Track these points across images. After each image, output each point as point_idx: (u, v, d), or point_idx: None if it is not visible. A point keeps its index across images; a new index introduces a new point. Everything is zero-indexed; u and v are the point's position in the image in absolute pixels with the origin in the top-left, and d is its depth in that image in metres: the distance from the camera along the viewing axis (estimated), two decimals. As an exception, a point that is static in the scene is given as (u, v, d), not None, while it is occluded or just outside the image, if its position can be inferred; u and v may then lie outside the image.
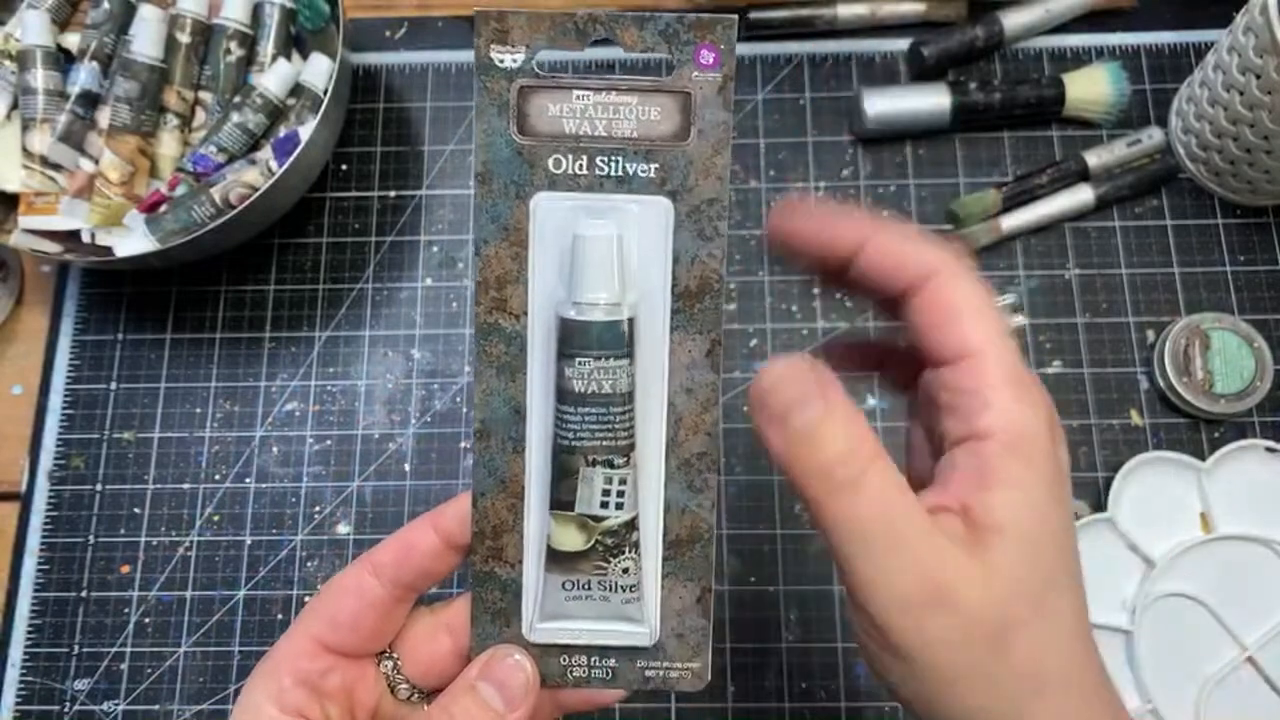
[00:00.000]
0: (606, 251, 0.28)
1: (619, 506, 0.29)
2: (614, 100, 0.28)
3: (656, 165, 0.28)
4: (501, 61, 0.28)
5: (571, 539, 0.29)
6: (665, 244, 0.29)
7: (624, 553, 0.29)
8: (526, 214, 0.29)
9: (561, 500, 0.29)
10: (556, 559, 0.30)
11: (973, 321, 0.26)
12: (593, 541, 0.29)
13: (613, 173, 0.29)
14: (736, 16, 0.28)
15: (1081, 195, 0.53)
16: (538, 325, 0.29)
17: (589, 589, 0.30)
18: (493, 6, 0.28)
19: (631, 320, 0.29)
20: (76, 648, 0.50)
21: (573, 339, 0.28)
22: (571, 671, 0.31)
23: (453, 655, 0.31)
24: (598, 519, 0.29)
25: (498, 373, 0.30)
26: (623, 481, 0.29)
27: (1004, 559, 0.25)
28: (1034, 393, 0.26)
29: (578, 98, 0.28)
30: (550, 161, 0.28)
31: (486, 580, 0.30)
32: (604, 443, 0.29)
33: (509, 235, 0.29)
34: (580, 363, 0.28)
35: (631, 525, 0.29)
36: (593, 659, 0.30)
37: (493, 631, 0.31)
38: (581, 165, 0.29)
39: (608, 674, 0.30)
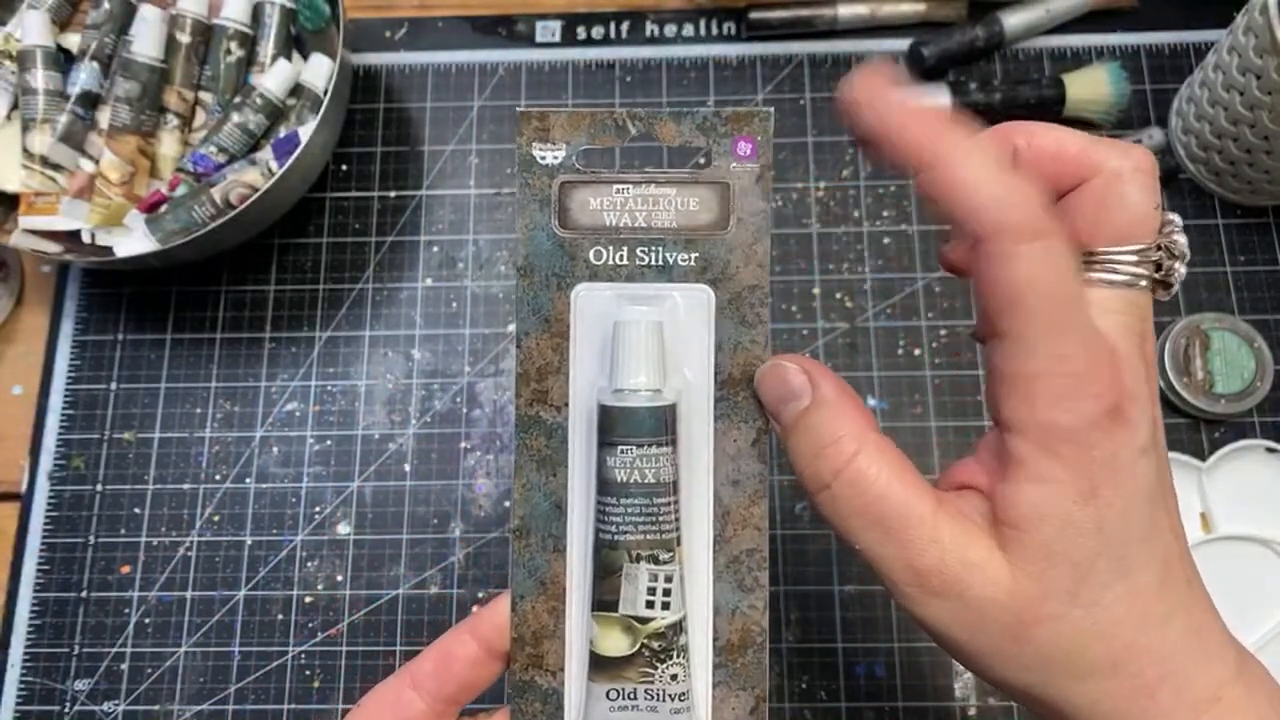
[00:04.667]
0: (647, 337, 0.28)
1: (665, 606, 0.28)
2: (653, 192, 0.29)
3: (697, 254, 0.29)
4: (543, 158, 0.29)
5: (616, 643, 0.28)
6: (707, 332, 0.29)
7: (672, 657, 0.28)
8: (568, 305, 0.29)
9: (604, 600, 0.28)
10: (600, 665, 0.28)
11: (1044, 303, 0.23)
12: (638, 645, 0.28)
13: (653, 262, 0.29)
14: (773, 110, 0.29)
15: (1081, 195, 0.53)
16: (579, 418, 0.29)
17: (635, 699, 0.28)
18: (534, 106, 0.28)
19: (673, 407, 0.28)
20: (77, 648, 0.50)
21: (614, 426, 0.28)
22: None
23: None
24: (643, 620, 0.28)
25: (538, 467, 0.29)
26: (669, 579, 0.28)
27: (1023, 555, 0.24)
28: (1089, 382, 0.23)
29: (618, 191, 0.29)
30: (591, 253, 0.29)
31: (526, 690, 0.29)
32: (648, 536, 0.27)
33: (550, 326, 0.29)
34: (622, 451, 0.27)
35: (679, 627, 0.28)
36: None
37: None
38: (622, 256, 0.29)
39: None
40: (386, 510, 0.51)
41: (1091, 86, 0.54)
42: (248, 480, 0.52)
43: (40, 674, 0.49)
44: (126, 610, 0.50)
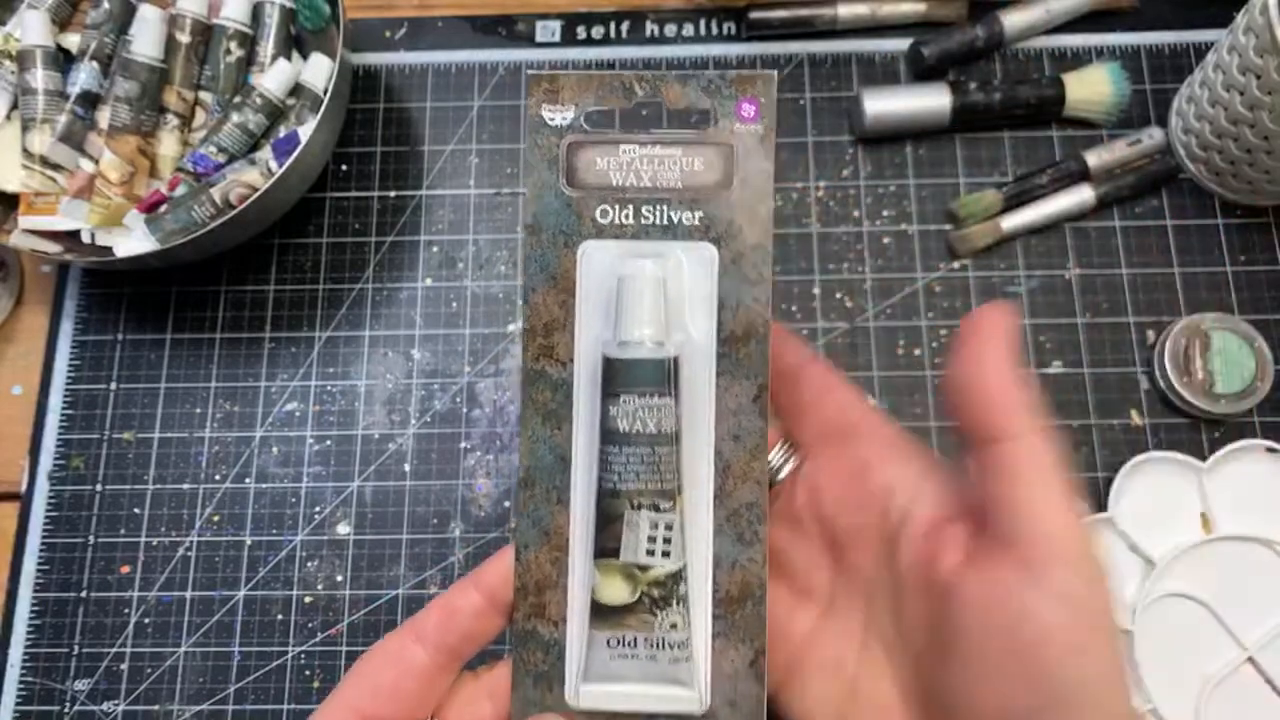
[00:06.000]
0: (650, 290, 0.28)
1: (665, 554, 0.28)
2: (659, 153, 0.29)
3: (701, 213, 0.29)
4: (552, 119, 0.29)
5: (617, 591, 0.28)
6: (710, 289, 0.29)
7: (671, 606, 0.28)
8: (574, 262, 0.29)
9: (606, 548, 0.28)
10: (601, 614, 0.29)
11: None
12: (639, 593, 0.28)
13: (658, 221, 0.29)
14: (775, 72, 0.30)
15: (1082, 195, 0.53)
16: (584, 372, 0.29)
17: (635, 646, 0.28)
18: (544, 71, 0.30)
19: (676, 359, 0.29)
20: (76, 648, 0.50)
21: (617, 377, 0.28)
22: None
23: None
24: (644, 568, 0.28)
25: (543, 420, 0.29)
26: (669, 527, 0.28)
27: None
28: None
29: (624, 151, 0.29)
30: (598, 211, 0.29)
31: (528, 640, 0.29)
32: (649, 485, 0.28)
33: (557, 283, 0.29)
34: (624, 401, 0.28)
35: (679, 576, 0.28)
36: None
37: (535, 697, 0.29)
38: (628, 215, 0.29)
39: None
40: (386, 510, 0.51)
41: (1091, 86, 0.54)
42: (247, 480, 0.52)
43: (40, 674, 0.49)
44: (126, 610, 0.50)
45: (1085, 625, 0.23)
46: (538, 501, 0.29)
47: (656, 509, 0.28)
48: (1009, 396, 0.25)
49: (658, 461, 0.28)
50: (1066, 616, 0.23)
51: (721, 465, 0.29)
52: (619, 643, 0.28)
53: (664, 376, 0.28)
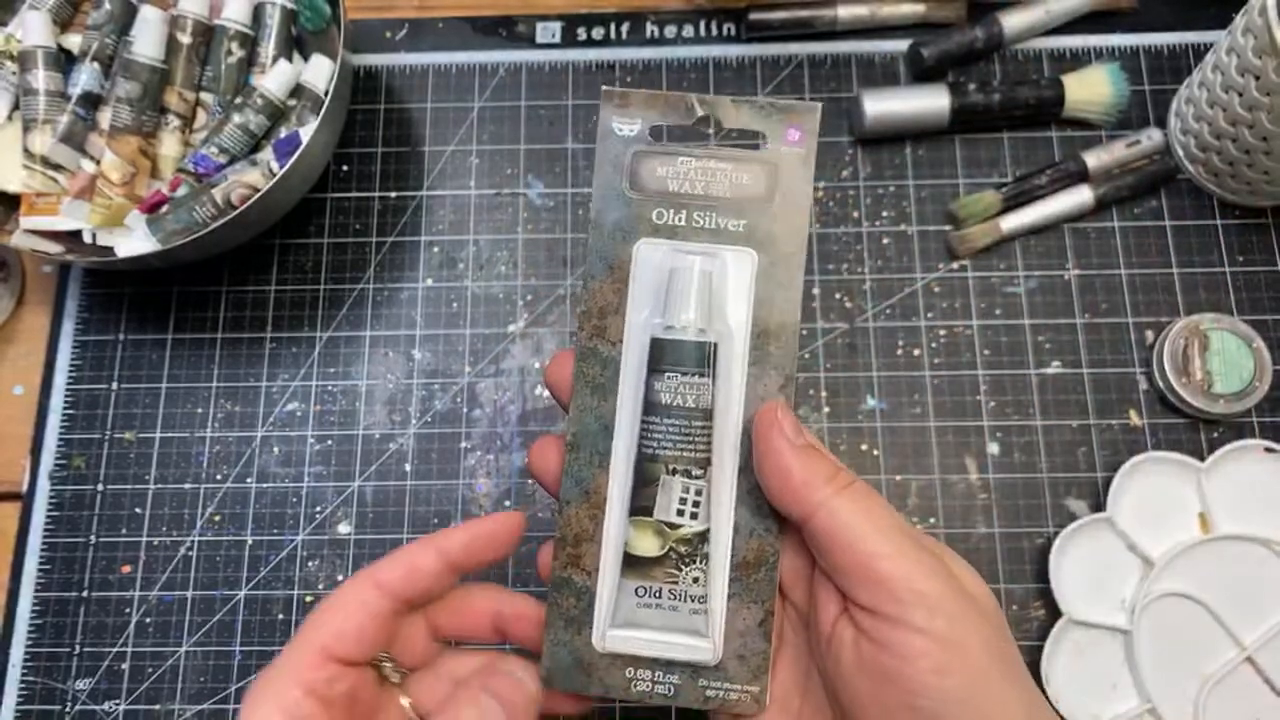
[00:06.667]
0: (697, 282, 0.32)
1: (693, 516, 0.31)
2: (712, 166, 0.33)
3: (745, 221, 0.33)
4: (620, 130, 0.33)
5: (648, 544, 0.32)
6: (749, 288, 0.33)
7: (695, 562, 0.32)
8: (630, 256, 0.33)
9: (641, 506, 0.32)
10: (632, 564, 0.32)
11: None
12: (667, 548, 0.31)
13: (707, 225, 0.33)
14: (820, 105, 0.33)
15: (1081, 196, 0.53)
16: (631, 352, 0.33)
17: (660, 596, 0.32)
18: (617, 88, 0.33)
19: (715, 345, 0.32)
20: (77, 648, 0.50)
21: (663, 356, 0.32)
22: (635, 685, 0.32)
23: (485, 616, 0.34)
24: (673, 526, 0.31)
25: (592, 392, 0.33)
26: (698, 493, 0.31)
27: None
28: None
29: (682, 162, 0.33)
30: (654, 213, 0.33)
31: (564, 586, 0.32)
32: (684, 453, 0.31)
33: (613, 273, 0.33)
34: (668, 377, 0.32)
35: (703, 537, 0.32)
36: (657, 674, 0.32)
37: (565, 638, 0.32)
38: (681, 218, 0.33)
39: (670, 690, 0.32)
40: (387, 510, 0.51)
41: (1091, 87, 0.54)
42: (249, 480, 0.52)
43: (41, 674, 0.49)
44: (127, 610, 0.50)
45: (940, 647, 0.26)
46: (581, 464, 0.32)
47: (688, 475, 0.31)
48: (799, 474, 0.29)
49: (692, 433, 0.31)
50: (920, 642, 0.26)
51: (747, 444, 0.32)
52: (646, 591, 0.32)
53: (704, 358, 0.32)
